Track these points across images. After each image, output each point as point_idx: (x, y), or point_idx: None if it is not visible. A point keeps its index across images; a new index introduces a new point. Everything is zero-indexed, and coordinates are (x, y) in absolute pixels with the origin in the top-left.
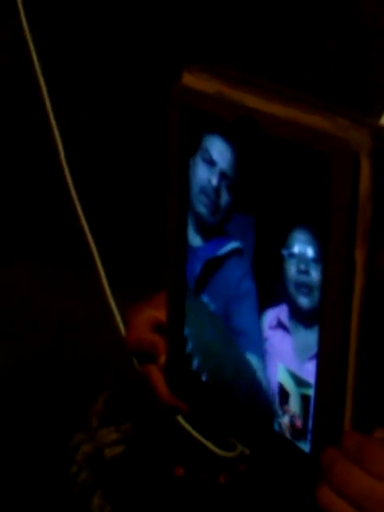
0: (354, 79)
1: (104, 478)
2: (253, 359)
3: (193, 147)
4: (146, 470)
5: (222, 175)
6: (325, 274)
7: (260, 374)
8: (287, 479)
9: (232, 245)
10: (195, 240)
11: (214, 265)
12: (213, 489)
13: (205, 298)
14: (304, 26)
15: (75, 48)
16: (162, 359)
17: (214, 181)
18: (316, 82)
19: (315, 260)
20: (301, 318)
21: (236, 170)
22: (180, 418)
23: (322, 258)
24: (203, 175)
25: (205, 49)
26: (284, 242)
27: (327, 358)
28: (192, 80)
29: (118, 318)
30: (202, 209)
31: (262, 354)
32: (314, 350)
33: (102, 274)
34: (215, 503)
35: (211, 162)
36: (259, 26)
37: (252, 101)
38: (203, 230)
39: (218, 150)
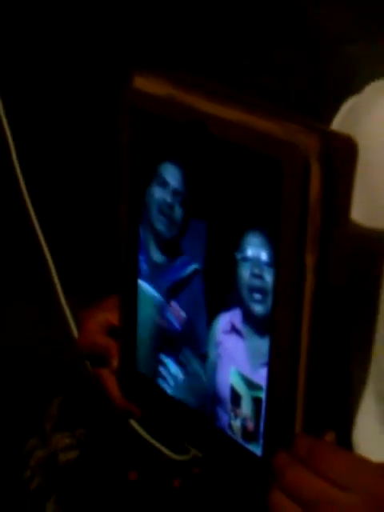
0: (305, 87)
1: (58, 483)
2: (205, 363)
3: (147, 175)
4: (99, 474)
5: (175, 193)
6: (276, 277)
7: (212, 377)
8: (240, 482)
9: (192, 267)
10: (157, 256)
11: (181, 283)
12: (167, 493)
13: (174, 305)
14: (256, 35)
15: (26, 51)
16: (115, 363)
17: (169, 198)
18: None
19: (268, 264)
20: (254, 323)
21: (186, 183)
22: (133, 422)
23: (274, 261)
24: (159, 196)
25: (157, 53)
26: (237, 245)
27: (278, 362)
28: (143, 83)
29: (71, 321)
30: (160, 226)
31: (216, 357)
32: (266, 357)
33: (55, 277)
34: (169, 507)
35: (165, 184)
36: (211, 32)
37: (203, 104)
38: (162, 246)
39: (170, 172)
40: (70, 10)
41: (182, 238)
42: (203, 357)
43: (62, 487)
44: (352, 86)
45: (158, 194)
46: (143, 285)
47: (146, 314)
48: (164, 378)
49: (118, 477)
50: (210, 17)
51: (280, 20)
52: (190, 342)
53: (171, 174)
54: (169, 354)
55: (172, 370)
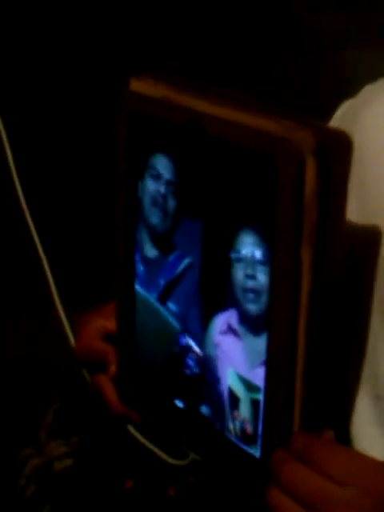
0: (301, 91)
1: (53, 491)
2: (205, 363)
3: (140, 168)
4: (95, 483)
5: (168, 183)
6: (272, 274)
7: (211, 378)
8: (238, 485)
9: (185, 261)
10: (151, 252)
11: (176, 281)
12: (162, 501)
13: (171, 306)
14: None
15: (25, 54)
16: (113, 369)
17: (162, 189)
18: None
19: (262, 262)
20: (250, 323)
21: (179, 176)
22: (131, 428)
23: (268, 259)
24: (152, 188)
25: (154, 58)
26: (231, 245)
27: (275, 361)
28: (139, 86)
29: (68, 329)
30: (154, 219)
31: (214, 359)
32: (264, 356)
33: (52, 284)
34: None
35: (158, 176)
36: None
37: (198, 104)
38: (156, 241)
39: (163, 164)
40: (69, 15)
41: (175, 232)
42: (200, 359)
43: (57, 495)
44: (347, 91)
45: (152, 186)
46: (140, 290)
47: (143, 318)
48: (162, 383)
49: (114, 485)
50: (206, 23)
51: (276, 26)
52: (188, 344)
53: (164, 166)
54: (168, 359)
55: (170, 373)
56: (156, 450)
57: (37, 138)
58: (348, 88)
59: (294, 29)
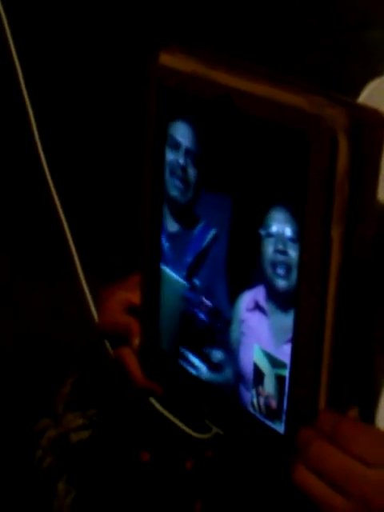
0: (328, 70)
1: (69, 462)
2: (230, 339)
3: (164, 135)
4: (111, 455)
5: (187, 152)
6: (302, 252)
7: (235, 355)
8: (261, 460)
9: (211, 233)
10: (173, 226)
11: (203, 255)
12: (179, 475)
13: (196, 281)
14: (280, 19)
15: (51, 29)
16: (136, 342)
17: (181, 160)
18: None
19: (293, 239)
20: (278, 299)
21: (203, 149)
22: (153, 401)
23: (299, 237)
24: (171, 159)
25: (182, 30)
26: (261, 221)
27: (303, 338)
28: (169, 59)
29: (90, 300)
30: (174, 191)
31: (239, 335)
32: (290, 333)
33: (75, 256)
34: (181, 489)
35: (176, 146)
36: (235, 14)
37: (228, 80)
38: (178, 214)
39: (181, 132)
40: None
41: (197, 204)
42: (226, 335)
43: (73, 467)
44: (375, 69)
45: (170, 156)
46: (164, 267)
47: (167, 293)
48: (186, 357)
49: (130, 457)
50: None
51: (304, 4)
52: (214, 321)
53: (182, 134)
54: (192, 336)
55: (195, 349)
56: (179, 423)
57: (62, 107)
58: (376, 66)
59: (320, 7)
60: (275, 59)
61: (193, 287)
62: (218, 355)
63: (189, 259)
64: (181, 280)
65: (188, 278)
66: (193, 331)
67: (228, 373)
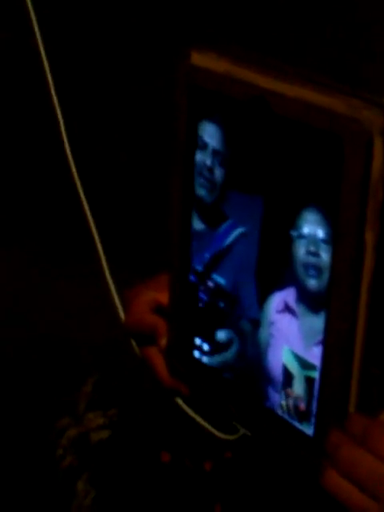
0: (354, 65)
1: (89, 462)
2: (259, 340)
3: (194, 135)
4: (131, 455)
5: (214, 153)
6: (334, 254)
7: (263, 356)
8: (289, 462)
9: (237, 231)
10: (198, 225)
11: (224, 253)
12: (198, 476)
13: (217, 278)
14: (306, 13)
15: (79, 28)
16: (163, 342)
17: (208, 160)
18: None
19: (325, 241)
20: (309, 301)
21: (232, 149)
22: (179, 401)
23: (331, 239)
24: (199, 159)
25: (209, 30)
26: (293, 222)
27: (334, 341)
28: (200, 59)
29: (116, 299)
30: (200, 191)
31: (268, 337)
32: (321, 335)
33: (102, 254)
34: (200, 490)
35: (204, 146)
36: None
37: (262, 81)
38: (204, 213)
39: (209, 132)
40: None
41: (225, 203)
42: (254, 335)
43: (93, 466)
44: None
45: (197, 156)
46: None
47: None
48: (213, 357)
49: (150, 458)
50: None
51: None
52: (239, 319)
53: (210, 135)
54: (220, 332)
55: (222, 348)
56: (205, 424)
57: (91, 106)
58: None
59: (346, 6)
60: (298, 53)
61: (207, 283)
62: (235, 348)
63: (207, 255)
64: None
65: (205, 274)
66: (216, 327)
67: (256, 373)
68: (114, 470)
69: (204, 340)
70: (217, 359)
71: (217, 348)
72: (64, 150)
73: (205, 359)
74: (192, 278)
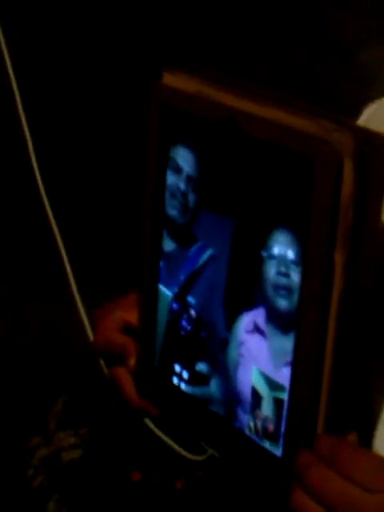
0: (323, 89)
1: (60, 482)
2: (228, 361)
3: (166, 156)
4: (102, 474)
5: (188, 178)
6: (304, 275)
7: (232, 377)
8: (257, 483)
9: (207, 253)
10: (169, 245)
11: (196, 274)
12: (169, 494)
13: (190, 300)
14: (275, 36)
15: (52, 45)
16: (132, 362)
17: (182, 185)
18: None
19: (295, 262)
20: (278, 322)
21: (203, 171)
22: (148, 422)
23: (301, 260)
24: (172, 181)
25: (184, 51)
26: (264, 243)
27: (302, 361)
28: (172, 79)
29: (85, 319)
30: (172, 212)
31: (237, 357)
32: (290, 356)
33: (70, 274)
34: (171, 508)
35: (178, 170)
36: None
37: (233, 101)
38: (174, 233)
39: (183, 156)
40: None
41: (195, 224)
42: (223, 356)
43: (64, 486)
44: (370, 89)
45: (171, 178)
46: (161, 287)
47: (162, 312)
48: (182, 378)
49: (121, 477)
50: (228, 16)
51: (299, 22)
52: (209, 341)
53: (184, 159)
54: (187, 355)
55: (190, 369)
56: (173, 444)
57: (61, 125)
58: (371, 86)
59: (316, 27)
60: (269, 79)
61: (183, 305)
62: (204, 368)
63: (182, 278)
64: (170, 295)
65: (180, 297)
66: (185, 348)
67: (224, 394)
68: (85, 489)
69: (184, 368)
70: (197, 391)
71: (197, 380)
72: (33, 171)
73: (184, 387)
74: (174, 305)
